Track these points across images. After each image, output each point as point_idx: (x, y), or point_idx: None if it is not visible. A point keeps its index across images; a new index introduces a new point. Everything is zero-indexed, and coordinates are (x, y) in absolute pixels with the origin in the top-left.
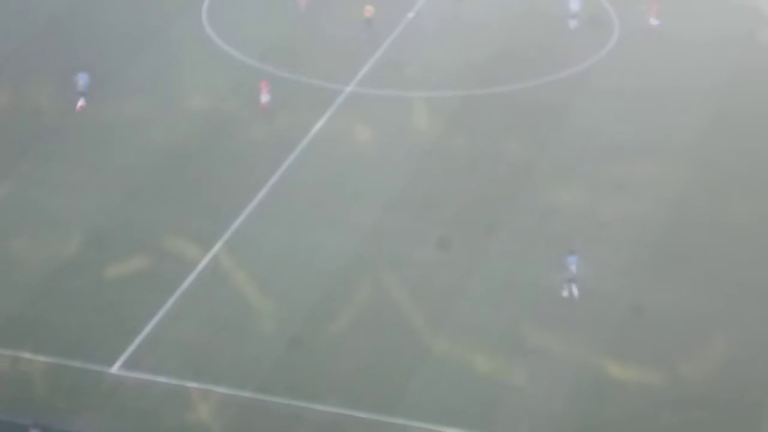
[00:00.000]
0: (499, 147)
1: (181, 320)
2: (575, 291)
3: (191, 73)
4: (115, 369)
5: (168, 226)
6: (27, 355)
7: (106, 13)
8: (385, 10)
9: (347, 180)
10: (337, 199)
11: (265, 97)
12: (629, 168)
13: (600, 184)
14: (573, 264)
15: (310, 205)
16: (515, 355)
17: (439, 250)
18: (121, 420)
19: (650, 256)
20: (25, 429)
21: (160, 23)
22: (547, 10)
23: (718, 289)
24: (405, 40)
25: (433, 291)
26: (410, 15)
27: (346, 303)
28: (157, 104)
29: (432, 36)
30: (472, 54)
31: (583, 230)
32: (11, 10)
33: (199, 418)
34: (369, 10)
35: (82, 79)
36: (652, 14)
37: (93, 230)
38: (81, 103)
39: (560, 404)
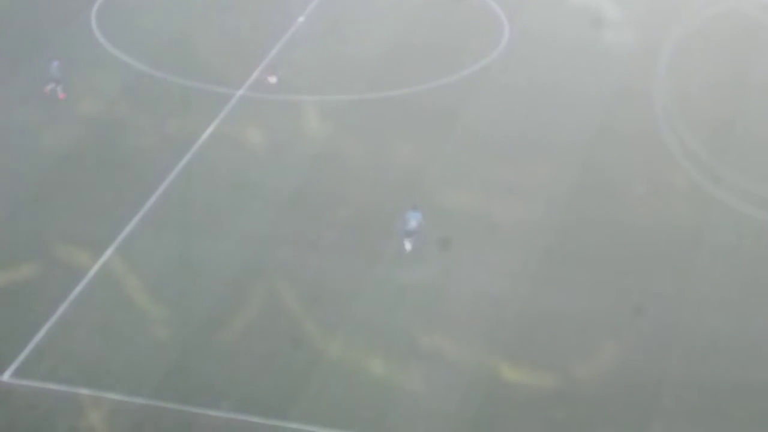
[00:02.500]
0: (390, 151)
1: (73, 327)
2: (408, 245)
3: (81, 77)
4: (6, 377)
5: (58, 232)
6: None
7: None
8: (275, 14)
9: (239, 185)
10: (228, 204)
11: (272, 78)
12: (521, 170)
13: (492, 187)
14: (413, 219)
15: (202, 210)
16: (409, 358)
17: (332, 254)
18: (13, 428)
19: (542, 258)
20: None
21: (49, 28)
22: (438, 12)
23: (609, 291)
24: (296, 44)
25: (327, 295)
26: (301, 19)
27: (240, 308)
28: (46, 110)
29: (323, 40)
30: (363, 58)
31: (476, 233)
32: None
33: (92, 425)
34: None
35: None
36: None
37: None
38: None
39: (454, 406)
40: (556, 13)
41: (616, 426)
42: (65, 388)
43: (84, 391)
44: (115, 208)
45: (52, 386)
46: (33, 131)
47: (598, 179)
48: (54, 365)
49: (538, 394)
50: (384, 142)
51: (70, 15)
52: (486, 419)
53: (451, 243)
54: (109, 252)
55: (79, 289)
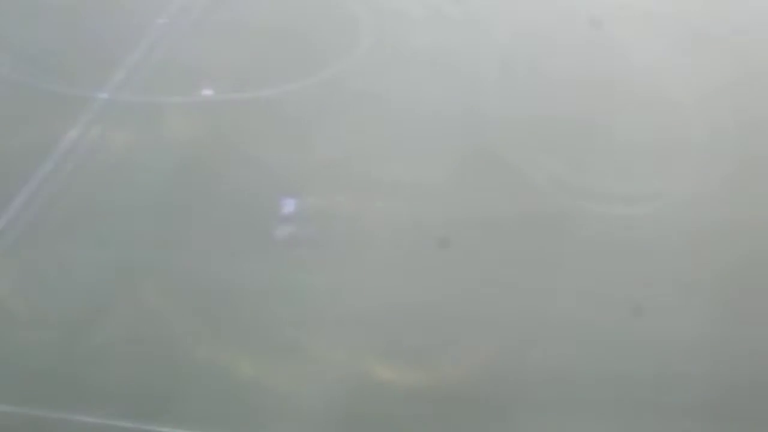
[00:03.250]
0: (258, 152)
1: None
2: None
3: None
4: None
5: None
6: None
7: None
8: (136, 16)
9: (105, 191)
10: (95, 210)
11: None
12: (395, 170)
13: (364, 187)
14: (287, 206)
15: (69, 217)
16: (279, 358)
17: (202, 255)
18: None
19: (411, 254)
20: None
21: None
22: (305, 12)
23: (481, 289)
24: (159, 45)
25: (196, 298)
26: (161, 20)
27: (110, 314)
28: None
29: (187, 41)
30: (229, 58)
31: (351, 234)
32: None
33: None
34: None
35: None
36: None
37: None
38: None
39: (323, 404)
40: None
41: (486, 420)
42: None
43: None
44: None
45: None
46: None
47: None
48: None
49: (408, 391)
50: (252, 143)
51: None
52: (356, 417)
53: (321, 243)
54: None
55: None
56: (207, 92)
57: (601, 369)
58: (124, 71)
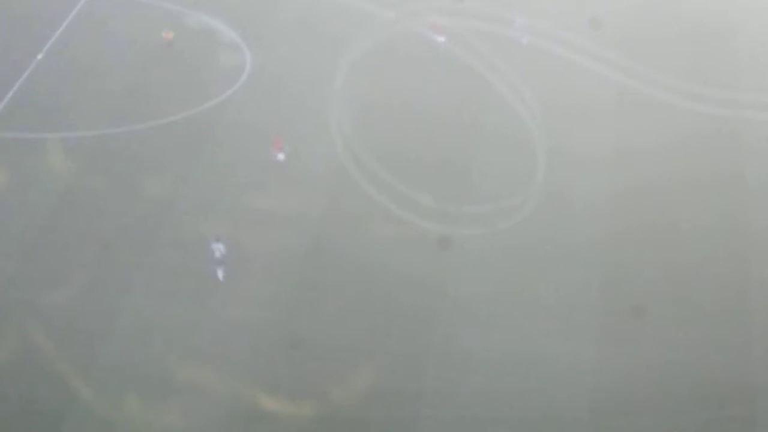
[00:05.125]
0: (137, 185)
1: None
2: (220, 274)
3: None
4: None
5: None
6: None
7: None
8: (13, 52)
9: None
10: None
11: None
12: (270, 200)
13: (242, 218)
14: (218, 250)
15: None
16: (166, 392)
17: (82, 291)
18: None
19: (294, 287)
20: None
21: None
22: (180, 45)
23: (358, 317)
24: (35, 81)
25: (78, 335)
26: (39, 56)
27: None
28: None
29: (63, 76)
30: (105, 93)
31: (228, 264)
32: None
33: None
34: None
35: None
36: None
37: None
38: None
39: None
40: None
41: None
42: None
43: None
44: None
45: None
46: None
47: (342, 208)
48: None
49: (298, 422)
50: (130, 176)
51: None
52: None
53: (201, 273)
54: None
55: None
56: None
57: None
58: None
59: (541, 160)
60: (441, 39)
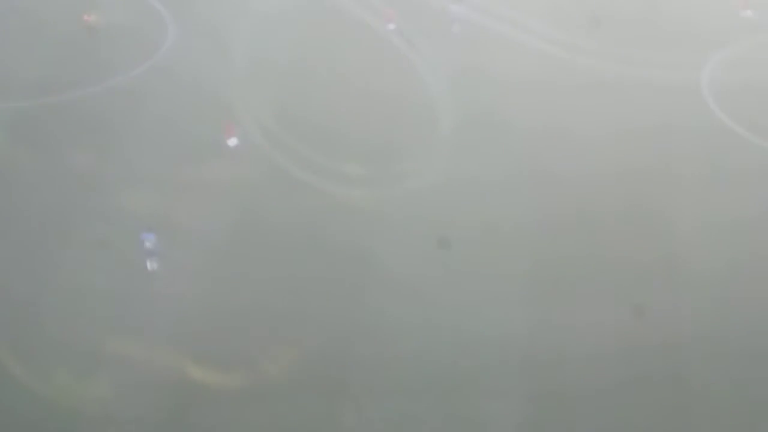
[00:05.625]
0: (60, 158)
1: None
2: (152, 265)
3: None
4: None
5: None
6: None
7: None
8: None
9: None
10: None
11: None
12: (199, 172)
13: (169, 189)
14: (147, 240)
15: None
16: (95, 365)
17: (9, 265)
18: None
19: (221, 255)
20: None
21: None
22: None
23: (289, 288)
24: None
25: (5, 308)
26: None
27: None
28: None
29: None
30: (19, 65)
31: (160, 233)
32: None
33: None
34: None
35: None
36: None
37: None
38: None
39: (143, 410)
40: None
41: (307, 413)
42: None
43: None
44: None
45: None
46: None
47: (279, 173)
48: None
49: (227, 392)
50: (54, 150)
51: None
52: (176, 421)
53: (130, 245)
54: None
55: None
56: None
57: None
58: None
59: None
60: (391, 26)
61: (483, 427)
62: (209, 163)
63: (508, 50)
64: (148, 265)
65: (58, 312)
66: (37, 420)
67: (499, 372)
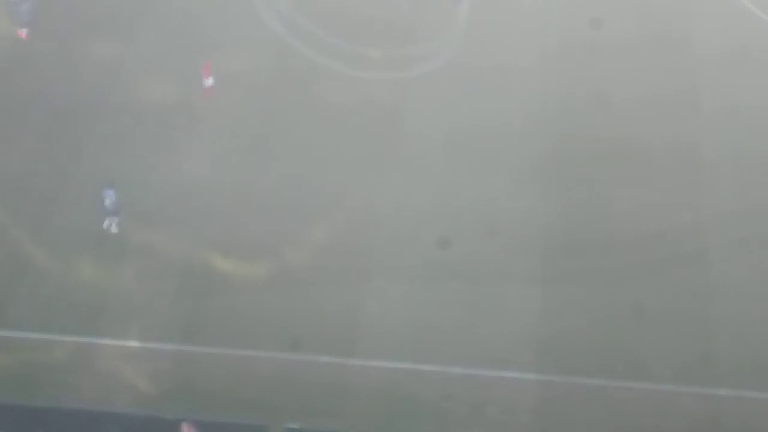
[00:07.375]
0: (84, 47)
1: None
2: (113, 226)
3: None
4: None
5: None
6: None
7: None
8: None
9: None
10: None
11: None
12: (219, 62)
13: (192, 79)
14: (108, 198)
15: None
16: (119, 256)
17: (32, 156)
18: None
19: (247, 148)
20: None
21: None
22: None
23: (312, 175)
24: None
25: (29, 199)
26: None
27: None
28: None
29: None
30: None
31: (177, 126)
32: None
33: None
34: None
35: None
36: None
37: None
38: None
39: (168, 300)
40: None
41: (333, 303)
42: None
43: None
44: None
45: None
46: None
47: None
48: None
49: (252, 281)
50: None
51: None
52: (201, 311)
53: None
54: None
55: None
56: None
57: None
58: None
59: None
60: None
61: (508, 313)
62: (229, 53)
63: None
64: (107, 224)
65: (83, 202)
66: (62, 311)
67: (523, 258)
